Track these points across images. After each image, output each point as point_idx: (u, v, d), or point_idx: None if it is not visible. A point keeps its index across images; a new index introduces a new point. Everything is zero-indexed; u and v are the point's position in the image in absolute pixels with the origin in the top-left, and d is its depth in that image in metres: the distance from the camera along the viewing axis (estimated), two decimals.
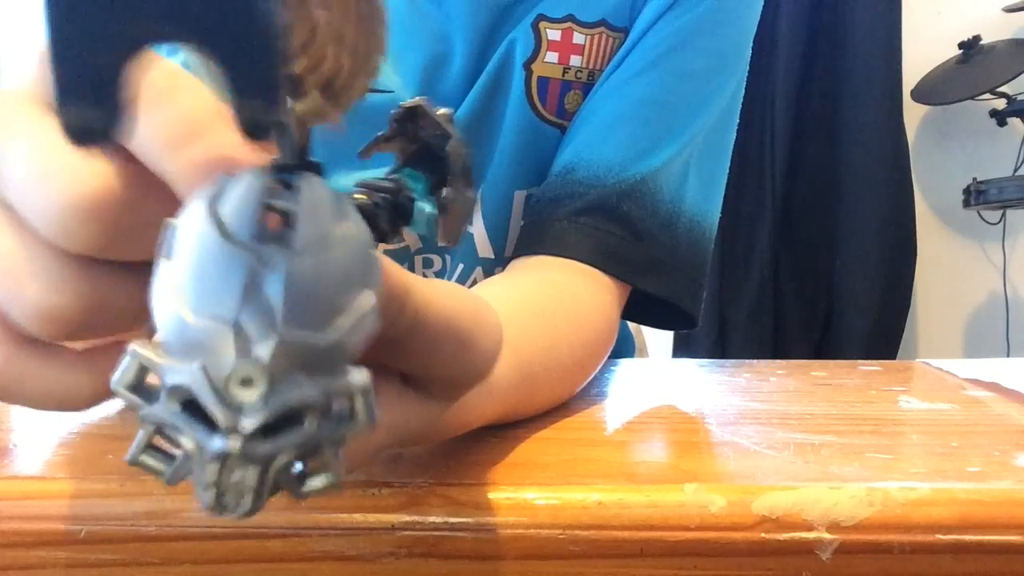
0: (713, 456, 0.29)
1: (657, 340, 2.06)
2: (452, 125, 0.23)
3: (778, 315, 2.07)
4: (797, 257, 2.08)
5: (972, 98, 1.93)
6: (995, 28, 1.99)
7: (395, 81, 0.56)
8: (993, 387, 0.43)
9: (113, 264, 0.19)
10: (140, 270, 0.19)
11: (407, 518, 0.24)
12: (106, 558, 0.24)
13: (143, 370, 0.14)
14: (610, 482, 0.25)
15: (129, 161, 0.18)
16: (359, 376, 0.14)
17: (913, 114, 2.07)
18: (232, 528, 0.24)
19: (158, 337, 0.14)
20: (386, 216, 0.22)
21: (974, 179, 1.91)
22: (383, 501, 0.24)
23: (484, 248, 0.59)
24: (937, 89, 1.98)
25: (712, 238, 0.56)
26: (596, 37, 0.56)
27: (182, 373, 0.14)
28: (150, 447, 0.15)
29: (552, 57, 0.56)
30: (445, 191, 0.24)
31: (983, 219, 2.09)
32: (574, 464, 0.28)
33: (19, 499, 0.24)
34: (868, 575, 0.23)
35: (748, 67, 0.58)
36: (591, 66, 0.57)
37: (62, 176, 0.17)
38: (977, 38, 1.95)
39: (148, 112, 0.17)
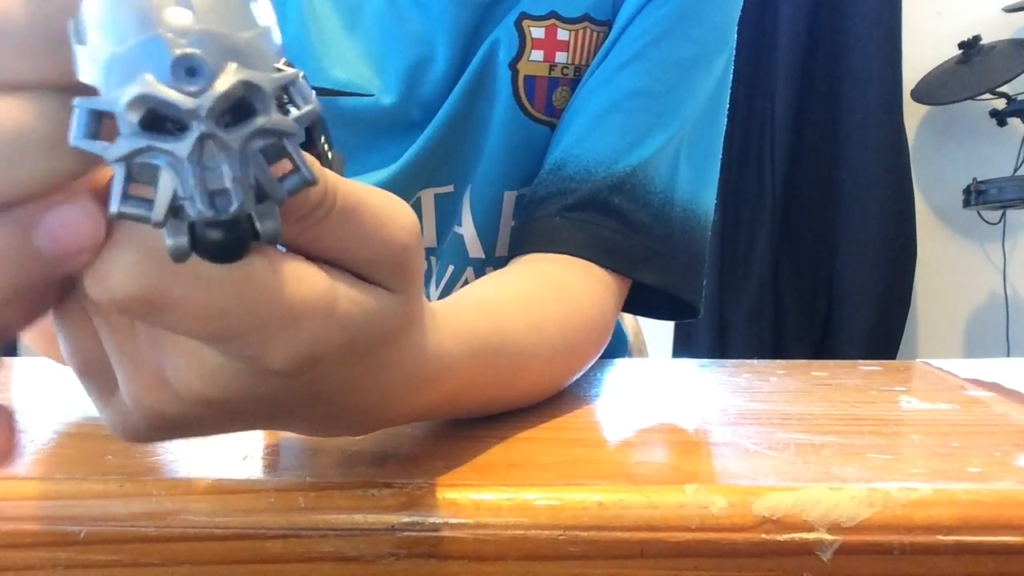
0: (713, 456, 0.29)
1: (657, 340, 2.06)
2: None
3: (778, 315, 2.07)
4: (797, 257, 2.08)
5: (972, 98, 1.93)
6: (995, 28, 1.99)
7: (377, 85, 0.55)
8: (993, 387, 0.43)
9: None
10: None
11: (407, 519, 0.24)
12: (105, 559, 0.24)
13: (96, 118, 0.15)
14: (610, 483, 0.25)
15: None
16: (287, 72, 0.16)
17: (913, 114, 2.07)
18: (232, 529, 0.24)
19: (97, 84, 0.15)
20: None
21: (974, 179, 1.91)
22: (383, 502, 0.24)
23: (474, 248, 0.59)
24: (937, 89, 1.98)
25: (708, 225, 0.55)
26: (580, 32, 0.56)
27: (134, 86, 0.15)
28: (127, 197, 0.16)
29: (537, 55, 0.56)
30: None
31: (983, 219, 2.09)
32: (574, 465, 0.28)
33: (19, 499, 0.24)
34: None
35: (735, 48, 0.57)
36: (577, 62, 0.56)
37: None
38: (977, 38, 1.95)
39: None
